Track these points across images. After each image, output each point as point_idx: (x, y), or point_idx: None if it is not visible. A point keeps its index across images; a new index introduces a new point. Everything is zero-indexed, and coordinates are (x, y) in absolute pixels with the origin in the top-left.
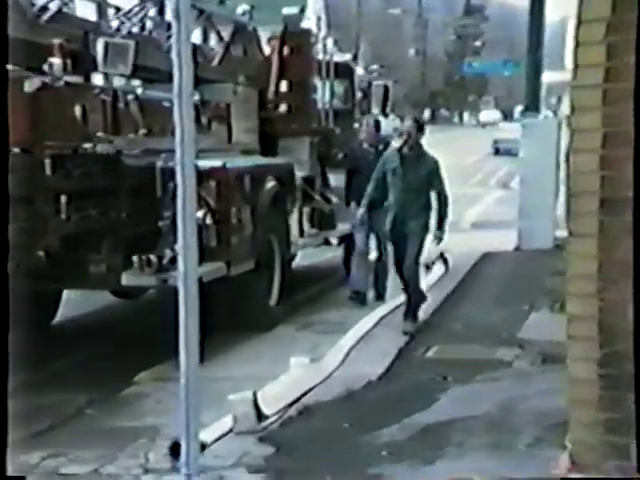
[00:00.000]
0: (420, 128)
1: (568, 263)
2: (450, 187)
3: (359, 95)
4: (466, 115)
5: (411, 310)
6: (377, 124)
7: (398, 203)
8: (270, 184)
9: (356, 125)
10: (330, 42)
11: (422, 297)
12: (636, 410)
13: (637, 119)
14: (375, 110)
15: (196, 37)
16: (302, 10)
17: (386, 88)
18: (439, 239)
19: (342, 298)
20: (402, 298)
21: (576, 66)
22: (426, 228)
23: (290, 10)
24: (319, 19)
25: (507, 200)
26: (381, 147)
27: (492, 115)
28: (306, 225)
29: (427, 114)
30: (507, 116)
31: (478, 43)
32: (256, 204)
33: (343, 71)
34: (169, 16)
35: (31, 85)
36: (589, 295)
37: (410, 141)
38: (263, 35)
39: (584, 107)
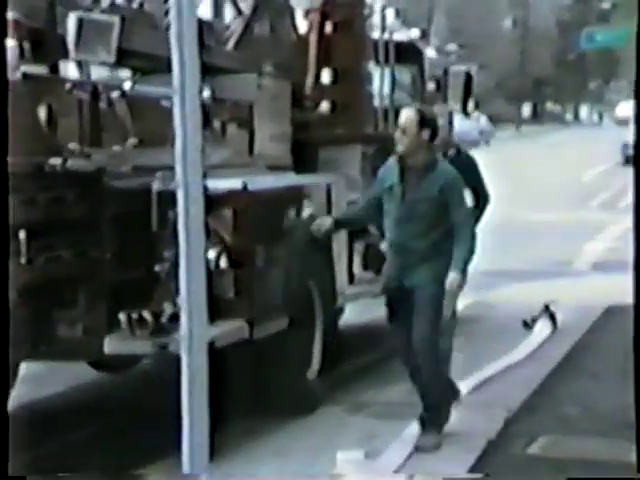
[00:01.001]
0: (424, 123)
1: None
2: (561, 211)
3: (431, 86)
4: (584, 110)
5: (432, 415)
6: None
7: (395, 240)
8: (307, 212)
9: None
10: (391, 14)
11: (449, 392)
12: (636, 410)
13: (637, 119)
14: (454, 106)
15: (205, 10)
16: None
17: (468, 76)
18: (457, 286)
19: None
20: (494, 366)
21: None
22: (441, 279)
23: None
24: None
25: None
26: (451, 153)
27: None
28: (358, 268)
29: (527, 110)
30: None
31: (606, 3)
32: (289, 240)
33: (409, 54)
34: None
35: None
36: None
37: (410, 145)
38: (298, 6)
39: None
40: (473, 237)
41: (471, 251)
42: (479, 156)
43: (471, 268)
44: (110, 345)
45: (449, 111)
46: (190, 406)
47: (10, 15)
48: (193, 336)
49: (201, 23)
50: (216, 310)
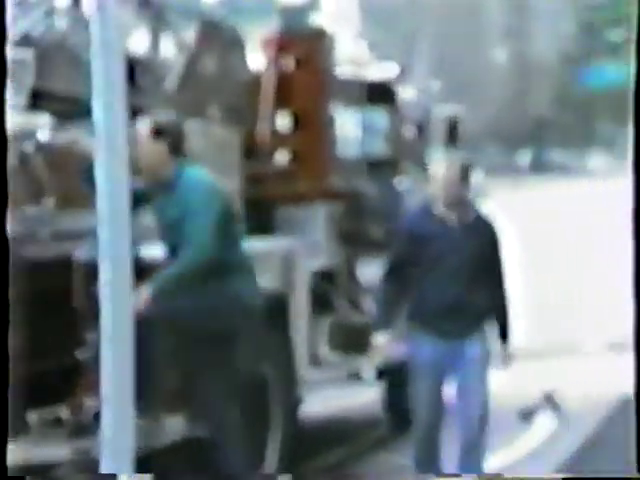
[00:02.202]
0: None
1: None
2: (568, 290)
3: (410, 132)
4: (597, 157)
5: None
6: (465, 170)
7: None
8: (263, 284)
9: (403, 182)
10: (362, 46)
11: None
12: (636, 410)
13: (637, 120)
14: (436, 155)
15: (138, 43)
16: None
17: (453, 120)
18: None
19: (384, 469)
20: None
21: None
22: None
23: None
24: (343, 9)
25: None
26: (470, 216)
27: None
28: (323, 348)
29: (526, 158)
30: None
31: (615, 35)
32: (240, 316)
33: (383, 94)
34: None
35: None
36: None
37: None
38: (250, 39)
39: None
40: (505, 301)
41: (507, 315)
42: None
43: None
44: (16, 452)
45: (424, 162)
46: None
47: None
48: (119, 437)
49: (132, 58)
50: (149, 402)
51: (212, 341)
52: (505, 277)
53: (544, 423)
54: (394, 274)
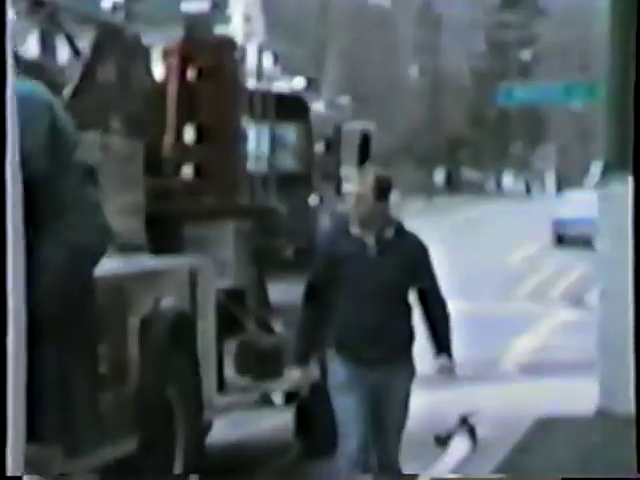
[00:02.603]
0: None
1: None
2: (483, 301)
3: (320, 147)
4: (509, 178)
5: None
6: (383, 184)
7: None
8: (167, 302)
9: (315, 199)
10: (269, 59)
11: None
12: (636, 410)
13: (637, 119)
14: (348, 172)
15: (29, 46)
16: (216, 4)
17: (366, 135)
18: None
19: None
20: None
21: None
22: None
23: (195, 4)
24: (248, 19)
25: (580, 326)
26: (389, 234)
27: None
28: (230, 371)
29: (440, 177)
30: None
31: (527, 55)
32: (142, 339)
33: (292, 108)
34: None
35: None
36: None
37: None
38: (153, 46)
39: None
40: (446, 309)
41: (449, 326)
42: None
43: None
44: None
45: (339, 177)
46: None
47: None
48: None
49: (25, 61)
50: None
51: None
52: (440, 288)
53: (458, 447)
54: (313, 299)
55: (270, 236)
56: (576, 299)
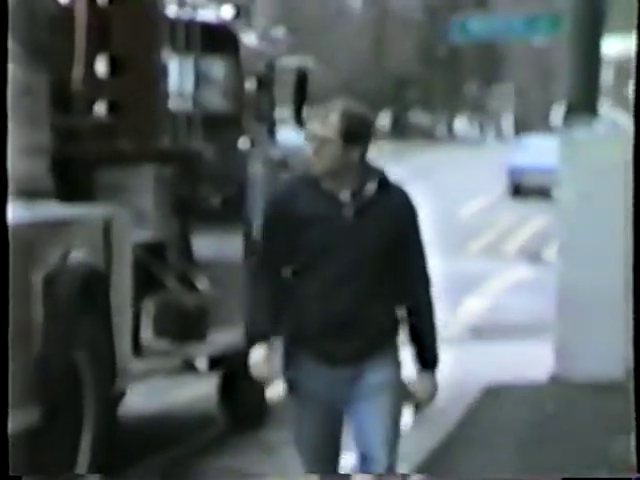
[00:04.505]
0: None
1: None
2: (432, 258)
3: (251, 85)
4: (461, 122)
5: None
6: (354, 124)
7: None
8: (76, 257)
9: (246, 142)
10: None
11: None
12: (636, 410)
13: (637, 119)
14: (283, 113)
15: None
16: None
17: (301, 73)
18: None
19: (219, 472)
20: None
21: None
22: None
23: None
24: None
25: (536, 284)
26: (370, 190)
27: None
28: (148, 334)
29: (386, 121)
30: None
31: None
32: (47, 297)
33: (220, 39)
34: None
35: None
36: None
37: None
38: None
39: None
40: (430, 297)
41: (433, 317)
42: None
43: None
44: None
45: (273, 119)
46: None
47: None
48: None
49: None
50: None
51: None
52: (428, 269)
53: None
54: (265, 271)
55: (194, 183)
56: (533, 255)
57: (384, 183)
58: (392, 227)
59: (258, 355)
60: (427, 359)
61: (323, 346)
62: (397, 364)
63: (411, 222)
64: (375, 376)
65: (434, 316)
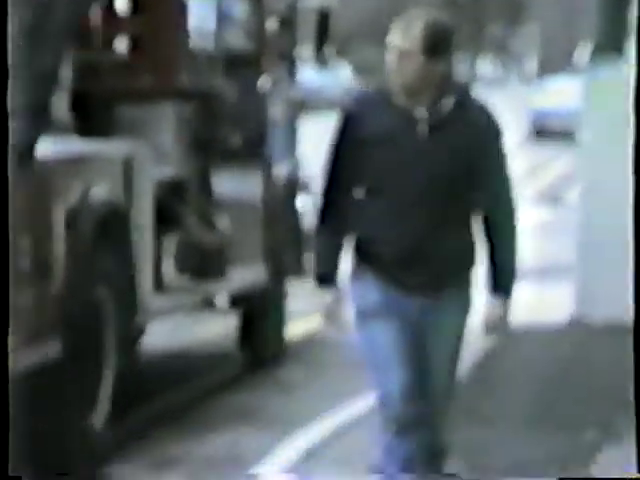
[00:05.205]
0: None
1: None
2: None
3: (273, 25)
4: (484, 62)
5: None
6: (438, 35)
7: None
8: (97, 194)
9: (267, 82)
10: None
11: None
12: (636, 410)
13: (637, 118)
14: (304, 52)
15: None
16: None
17: (324, 13)
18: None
19: (236, 411)
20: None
21: None
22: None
23: None
24: None
25: (557, 227)
26: (447, 106)
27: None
28: (169, 270)
29: None
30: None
31: None
32: (68, 232)
33: None
34: None
35: None
36: None
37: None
38: None
39: None
40: (513, 223)
41: (515, 254)
42: None
43: None
44: None
45: (294, 59)
46: None
47: None
48: None
49: None
50: None
51: None
52: (511, 191)
53: None
54: (335, 192)
55: (214, 122)
56: (554, 198)
57: (463, 99)
58: (469, 146)
59: (326, 303)
60: (503, 285)
61: (396, 272)
62: (469, 297)
63: (491, 141)
64: (449, 307)
65: (515, 240)
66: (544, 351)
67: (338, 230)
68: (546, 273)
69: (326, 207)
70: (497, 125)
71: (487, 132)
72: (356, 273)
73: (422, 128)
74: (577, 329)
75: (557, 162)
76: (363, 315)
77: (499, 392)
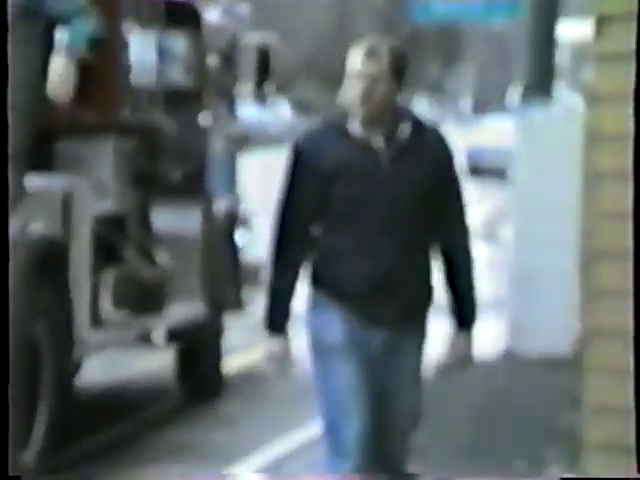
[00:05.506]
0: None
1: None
2: None
3: (214, 62)
4: (420, 101)
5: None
6: (401, 59)
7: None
8: (35, 229)
9: (207, 118)
10: None
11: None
12: (636, 410)
13: (637, 118)
14: (244, 88)
15: None
16: None
17: (264, 50)
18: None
19: (175, 446)
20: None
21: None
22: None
23: None
24: None
25: (491, 263)
26: (404, 133)
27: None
28: (107, 305)
29: None
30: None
31: None
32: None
33: (182, 15)
34: None
35: None
36: None
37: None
38: None
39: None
40: (470, 253)
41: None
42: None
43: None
44: None
45: (234, 96)
46: None
47: None
48: None
49: None
50: None
51: None
52: (466, 216)
53: None
54: (294, 233)
55: (155, 157)
56: (488, 233)
57: (418, 125)
58: (430, 172)
59: (273, 350)
60: (464, 316)
61: (363, 306)
62: (426, 332)
63: (449, 165)
64: (410, 341)
65: (473, 268)
66: (477, 383)
67: (293, 271)
68: (479, 308)
69: (281, 246)
70: (451, 149)
71: (444, 156)
72: (315, 306)
73: (382, 159)
74: (509, 362)
75: (491, 199)
76: (321, 349)
77: (431, 424)
